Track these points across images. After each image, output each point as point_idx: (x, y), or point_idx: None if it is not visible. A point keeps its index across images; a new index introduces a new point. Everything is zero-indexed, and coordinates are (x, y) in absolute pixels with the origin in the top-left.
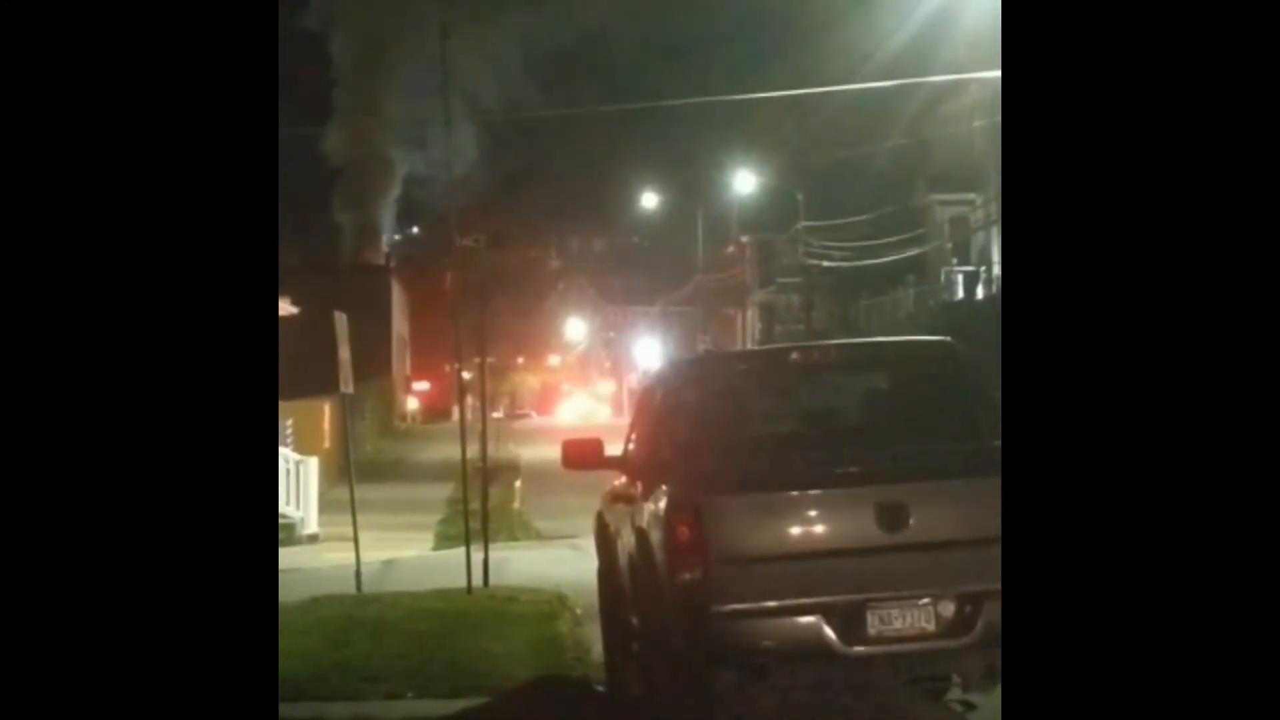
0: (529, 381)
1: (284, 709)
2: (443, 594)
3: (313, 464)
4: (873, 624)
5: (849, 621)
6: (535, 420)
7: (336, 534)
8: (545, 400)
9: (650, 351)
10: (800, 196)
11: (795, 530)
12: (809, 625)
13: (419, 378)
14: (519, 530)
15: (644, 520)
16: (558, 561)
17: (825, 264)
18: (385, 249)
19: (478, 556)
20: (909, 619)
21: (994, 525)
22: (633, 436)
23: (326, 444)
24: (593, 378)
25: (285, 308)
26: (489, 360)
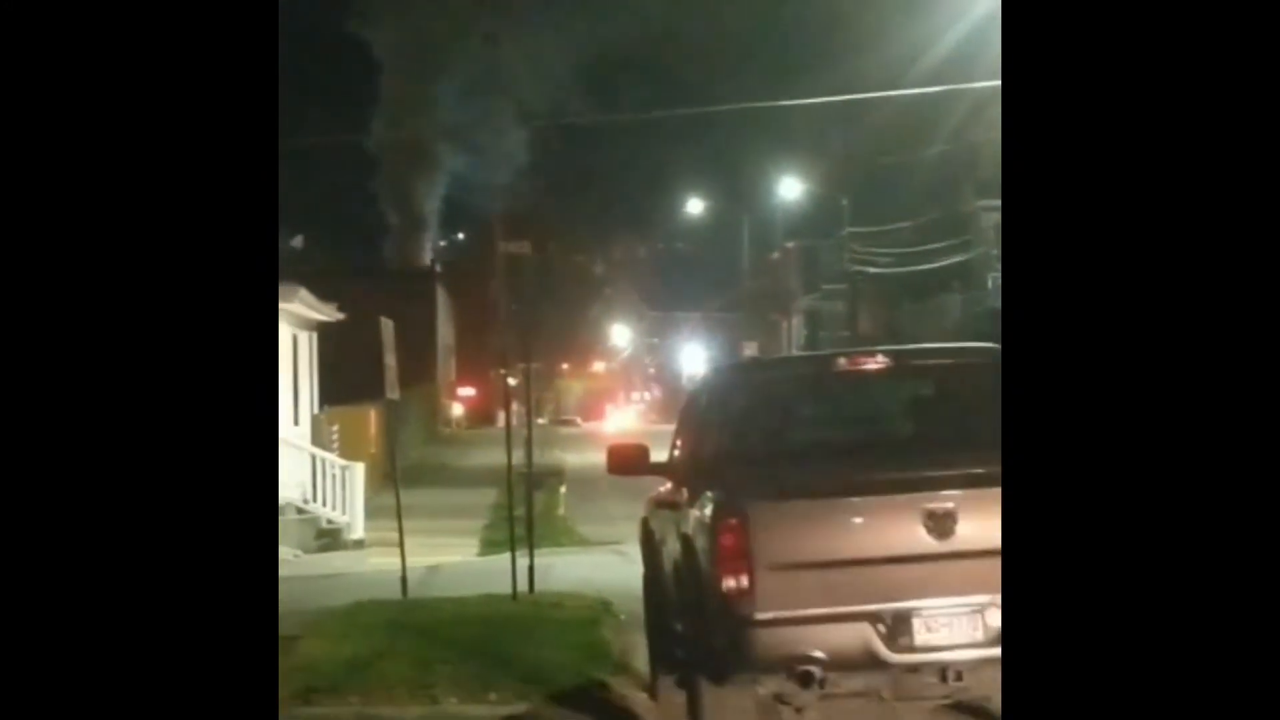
0: (574, 388)
1: (327, 710)
2: (488, 599)
3: (359, 469)
4: (919, 632)
5: (896, 629)
6: (581, 427)
7: (382, 539)
8: (591, 407)
9: (695, 358)
10: (845, 202)
11: (841, 537)
12: (855, 633)
13: (464, 384)
14: (564, 536)
15: (689, 527)
16: (602, 568)
17: (871, 270)
18: (430, 254)
19: (523, 562)
20: (956, 627)
21: None
22: (678, 443)
23: (372, 449)
24: (636, 385)
25: (331, 313)
26: (534, 366)
